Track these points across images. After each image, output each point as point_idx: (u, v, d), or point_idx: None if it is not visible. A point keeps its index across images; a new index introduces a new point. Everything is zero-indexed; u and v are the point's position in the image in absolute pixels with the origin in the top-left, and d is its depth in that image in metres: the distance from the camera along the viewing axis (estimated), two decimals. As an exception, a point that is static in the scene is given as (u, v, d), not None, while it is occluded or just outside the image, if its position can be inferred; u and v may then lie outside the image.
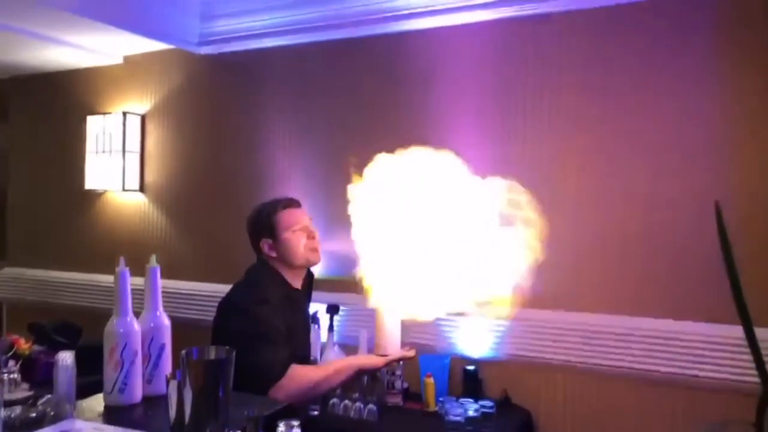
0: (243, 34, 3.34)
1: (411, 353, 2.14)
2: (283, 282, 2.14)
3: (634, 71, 2.54)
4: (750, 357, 1.81)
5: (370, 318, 2.26)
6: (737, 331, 1.85)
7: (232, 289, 2.15)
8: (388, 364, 2.13)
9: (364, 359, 2.14)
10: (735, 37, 2.38)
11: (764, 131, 2.35)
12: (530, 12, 2.69)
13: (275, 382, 1.89)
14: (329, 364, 2.14)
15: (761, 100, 2.35)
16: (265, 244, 2.15)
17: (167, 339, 1.61)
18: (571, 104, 2.64)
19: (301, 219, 2.18)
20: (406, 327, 2.22)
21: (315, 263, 2.23)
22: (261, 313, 1.99)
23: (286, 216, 2.15)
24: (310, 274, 2.31)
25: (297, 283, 2.19)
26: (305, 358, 2.22)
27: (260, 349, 1.90)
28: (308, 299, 2.36)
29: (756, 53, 2.35)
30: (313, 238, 2.17)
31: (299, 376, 1.94)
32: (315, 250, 2.18)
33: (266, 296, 2.05)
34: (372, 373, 2.28)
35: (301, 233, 2.15)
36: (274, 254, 2.14)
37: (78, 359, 1.49)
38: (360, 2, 2.99)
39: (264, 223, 2.16)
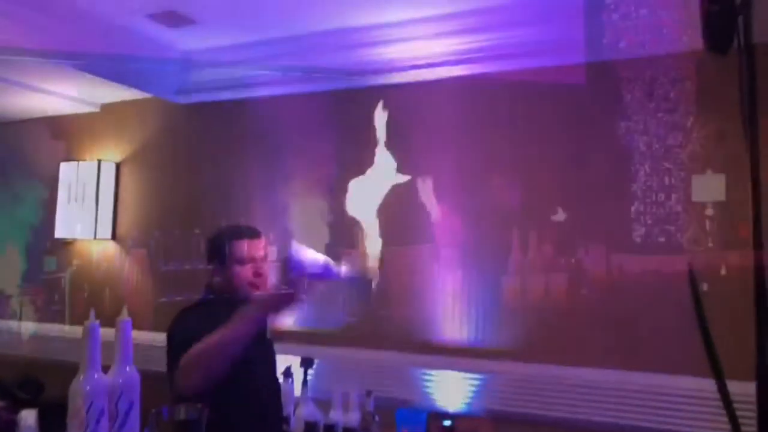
0: (220, 84, 3.36)
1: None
2: (229, 307, 2.09)
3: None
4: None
5: (347, 372, 2.20)
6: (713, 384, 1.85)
7: None
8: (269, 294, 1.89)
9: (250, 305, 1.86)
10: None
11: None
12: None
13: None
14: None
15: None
16: (214, 267, 2.14)
17: (136, 397, 1.55)
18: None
19: (253, 252, 2.13)
20: (378, 377, 2.10)
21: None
22: (184, 320, 2.02)
23: (239, 247, 2.12)
24: None
25: None
26: (273, 405, 2.16)
27: (174, 353, 1.87)
28: (264, 334, 2.29)
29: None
30: (260, 275, 2.12)
31: (191, 350, 1.75)
32: (256, 287, 2.12)
33: (202, 311, 2.04)
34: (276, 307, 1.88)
35: (248, 268, 2.11)
36: (218, 279, 2.12)
37: (41, 417, 1.43)
38: (338, 55, 3.04)
39: (217, 248, 2.14)
